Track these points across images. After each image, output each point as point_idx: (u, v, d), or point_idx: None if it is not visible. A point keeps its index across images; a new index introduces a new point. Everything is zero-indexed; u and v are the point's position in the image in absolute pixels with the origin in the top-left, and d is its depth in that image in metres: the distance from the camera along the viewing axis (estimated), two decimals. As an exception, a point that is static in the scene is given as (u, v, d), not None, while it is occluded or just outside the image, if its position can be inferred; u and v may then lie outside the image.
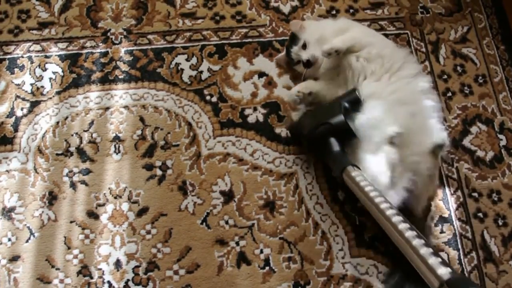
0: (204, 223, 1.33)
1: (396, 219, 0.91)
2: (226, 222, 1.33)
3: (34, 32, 1.54)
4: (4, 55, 1.52)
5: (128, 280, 1.28)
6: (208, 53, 1.51)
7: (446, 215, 1.34)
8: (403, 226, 0.88)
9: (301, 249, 1.31)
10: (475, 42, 1.55)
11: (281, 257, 1.30)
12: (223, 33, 1.54)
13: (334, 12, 1.59)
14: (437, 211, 1.35)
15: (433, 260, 0.79)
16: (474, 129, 1.44)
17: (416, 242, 0.84)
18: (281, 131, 1.43)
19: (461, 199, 1.36)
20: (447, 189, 1.37)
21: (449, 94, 1.47)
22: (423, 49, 1.54)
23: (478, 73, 1.51)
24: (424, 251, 0.81)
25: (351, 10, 1.59)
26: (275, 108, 1.44)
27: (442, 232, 1.33)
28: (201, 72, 1.48)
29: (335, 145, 1.20)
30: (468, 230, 1.33)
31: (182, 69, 1.48)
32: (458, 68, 1.51)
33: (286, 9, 1.59)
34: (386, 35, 1.53)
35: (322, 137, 1.22)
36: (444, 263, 0.78)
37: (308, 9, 1.59)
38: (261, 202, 1.35)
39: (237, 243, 1.31)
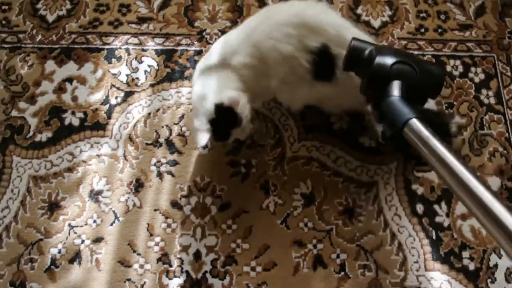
0: (284, 224, 1.35)
1: (476, 181, 0.73)
2: (306, 225, 1.35)
3: (133, 26, 1.61)
4: (103, 45, 1.59)
5: (206, 271, 1.31)
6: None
7: None
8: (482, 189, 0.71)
9: (377, 257, 1.31)
10: None
11: (357, 264, 1.31)
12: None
13: (422, 30, 1.60)
14: None
15: None
16: None
17: (501, 209, 0.67)
18: (365, 140, 1.44)
19: None
20: None
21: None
22: (509, 73, 1.54)
23: None
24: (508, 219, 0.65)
25: (440, 30, 1.60)
26: (360, 118, 1.46)
27: None
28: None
29: (400, 90, 0.95)
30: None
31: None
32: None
33: (376, 23, 1.61)
34: (472, 57, 1.54)
35: (394, 76, 0.97)
36: None
37: (397, 25, 1.61)
38: (341, 208, 1.37)
39: (315, 246, 1.33)
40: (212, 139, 1.24)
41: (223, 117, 1.22)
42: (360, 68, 1.04)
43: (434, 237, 1.34)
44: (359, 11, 1.65)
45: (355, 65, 1.05)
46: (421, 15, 1.64)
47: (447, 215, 1.37)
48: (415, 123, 0.86)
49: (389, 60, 0.97)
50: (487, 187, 0.71)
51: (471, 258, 1.32)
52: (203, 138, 1.21)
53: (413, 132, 0.86)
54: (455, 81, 1.54)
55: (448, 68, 1.56)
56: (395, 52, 1.02)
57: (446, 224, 1.36)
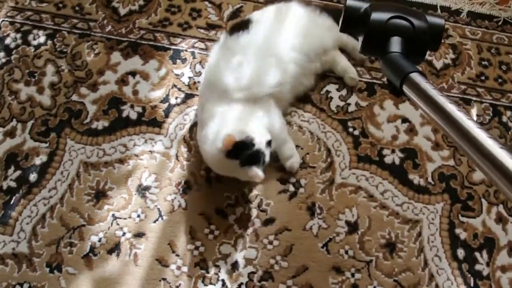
0: (325, 248, 1.35)
1: (478, 130, 0.68)
2: (346, 252, 1.35)
3: (201, 31, 1.64)
4: (170, 45, 1.62)
5: (242, 283, 1.31)
6: (359, 89, 1.56)
7: None
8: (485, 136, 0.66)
9: (413, 297, 1.30)
10: None
11: (392, 300, 1.30)
12: (375, 73, 1.58)
13: (483, 78, 1.61)
14: None
15: None
16: None
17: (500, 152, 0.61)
18: (414, 178, 1.44)
19: None
20: None
21: None
22: None
23: None
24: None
25: (500, 80, 1.61)
26: (412, 154, 1.47)
27: None
28: (349, 104, 1.53)
29: (400, 46, 0.91)
30: None
31: (331, 97, 1.54)
32: None
33: (438, 64, 1.63)
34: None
35: (391, 32, 0.93)
36: None
37: (459, 69, 1.63)
38: (383, 241, 1.37)
39: (353, 275, 1.33)
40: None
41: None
42: (356, 28, 1.00)
43: (472, 285, 1.34)
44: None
45: (351, 25, 1.00)
46: (483, 63, 1.65)
47: (487, 264, 1.36)
48: (415, 76, 0.82)
49: (384, 16, 0.93)
50: (489, 135, 0.66)
51: (507, 312, 1.31)
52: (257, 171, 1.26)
53: (412, 86, 0.82)
54: (510, 132, 1.54)
55: (504, 119, 1.56)
56: (390, 7, 0.97)
57: (485, 273, 1.35)
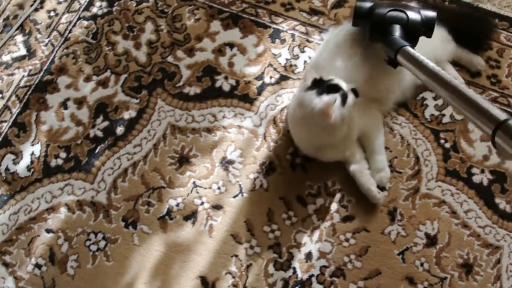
0: (401, 255, 1.32)
1: (458, 83, 0.91)
2: (421, 264, 1.32)
3: (304, 14, 1.61)
4: (271, 23, 1.59)
5: (312, 275, 1.30)
6: (456, 101, 1.51)
7: None
8: (464, 87, 0.89)
9: (482, 323, 1.27)
10: None
11: (461, 323, 1.27)
12: (474, 88, 1.54)
13: None
14: None
15: (488, 105, 0.79)
16: None
17: (475, 95, 0.84)
18: (501, 202, 1.40)
19: None
20: None
21: None
22: None
23: None
24: (480, 98, 0.82)
25: None
26: (501, 178, 1.43)
27: None
28: (443, 115, 1.50)
29: (397, 32, 1.19)
30: None
31: (426, 105, 1.50)
32: None
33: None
34: None
35: (390, 21, 1.22)
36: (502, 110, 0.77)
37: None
38: (460, 261, 1.33)
39: (425, 289, 1.29)
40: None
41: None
42: (364, 21, 1.27)
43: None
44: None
45: (360, 20, 1.28)
46: None
47: None
48: (408, 49, 1.10)
49: (385, 9, 1.22)
50: (475, 93, 0.86)
51: None
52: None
53: (406, 56, 1.09)
54: None
55: None
56: (390, 4, 1.25)
57: (561, 312, 1.31)
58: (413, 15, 1.21)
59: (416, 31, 1.21)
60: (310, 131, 1.25)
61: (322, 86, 1.21)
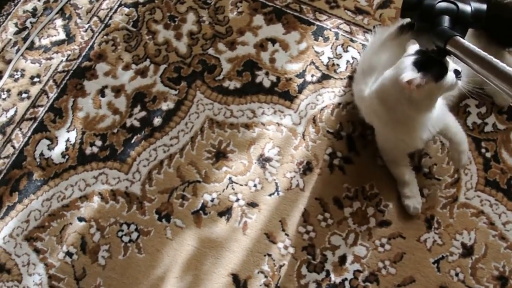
0: (436, 264, 1.31)
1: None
2: (456, 274, 1.30)
3: (349, 13, 1.58)
4: (315, 20, 1.57)
5: (345, 279, 1.28)
6: (499, 110, 1.48)
7: None
8: None
9: (514, 337, 1.25)
10: None
11: (493, 334, 1.25)
12: (518, 98, 1.50)
13: None
14: None
15: None
16: None
17: None
18: (540, 217, 1.37)
19: None
20: None
21: None
22: None
23: None
24: None
25: None
26: (543, 194, 1.39)
27: None
28: (486, 124, 1.46)
29: (446, 22, 1.15)
30: None
31: (469, 112, 1.47)
32: None
33: None
34: None
35: (439, 12, 1.17)
36: None
37: None
38: (496, 273, 1.31)
39: (459, 300, 1.27)
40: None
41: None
42: (413, 13, 1.23)
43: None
44: None
45: (409, 12, 1.24)
46: None
47: None
48: (459, 38, 1.06)
49: (434, 1, 1.18)
50: None
51: None
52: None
53: (456, 46, 1.05)
54: None
55: None
56: None
57: None
58: (463, 6, 1.18)
59: (465, 23, 1.18)
60: (397, 98, 1.21)
61: (423, 56, 1.18)
